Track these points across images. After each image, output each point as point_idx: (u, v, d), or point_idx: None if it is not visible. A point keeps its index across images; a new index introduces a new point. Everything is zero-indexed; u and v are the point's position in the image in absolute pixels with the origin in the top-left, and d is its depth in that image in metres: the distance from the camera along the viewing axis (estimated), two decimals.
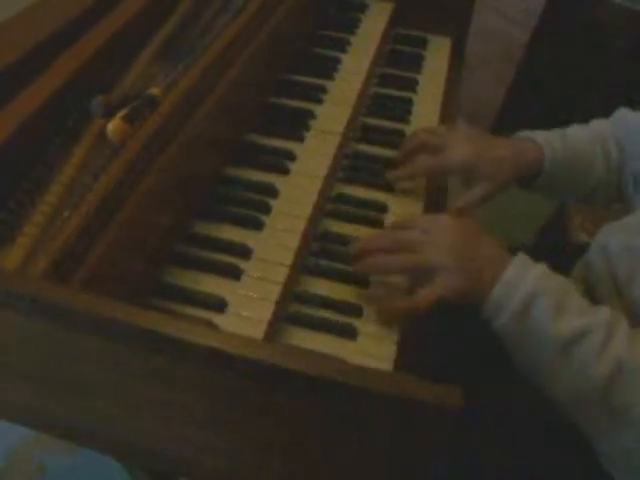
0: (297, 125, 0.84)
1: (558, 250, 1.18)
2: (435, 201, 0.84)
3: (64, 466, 1.31)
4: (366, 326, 0.66)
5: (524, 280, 0.60)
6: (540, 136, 0.81)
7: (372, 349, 0.64)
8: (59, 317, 0.45)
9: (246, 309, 0.62)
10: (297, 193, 0.74)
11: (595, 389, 0.57)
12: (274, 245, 0.68)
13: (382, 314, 0.66)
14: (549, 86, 1.99)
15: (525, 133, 0.83)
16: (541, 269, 0.62)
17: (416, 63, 1.07)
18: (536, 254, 1.05)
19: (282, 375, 0.43)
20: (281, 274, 0.65)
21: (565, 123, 0.86)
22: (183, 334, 0.44)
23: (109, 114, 0.59)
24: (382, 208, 0.79)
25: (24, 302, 0.45)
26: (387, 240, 0.68)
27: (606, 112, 0.86)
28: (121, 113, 0.59)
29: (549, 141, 0.80)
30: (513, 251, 0.94)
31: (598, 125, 0.85)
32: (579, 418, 0.61)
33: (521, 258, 0.63)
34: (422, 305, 0.63)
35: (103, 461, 1.27)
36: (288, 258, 0.67)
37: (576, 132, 0.83)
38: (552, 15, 1.89)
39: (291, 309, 0.67)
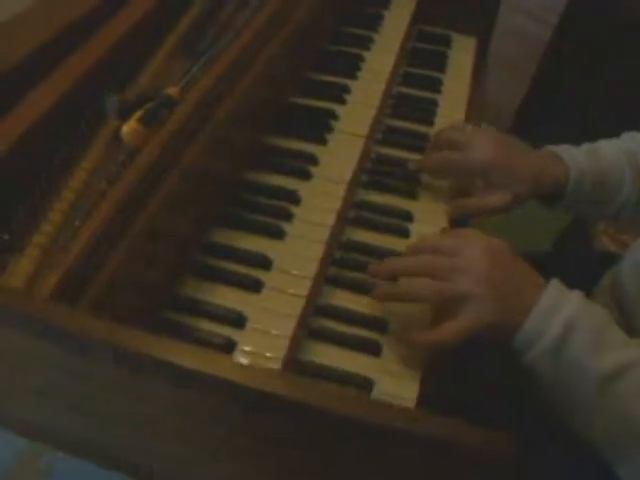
0: (319, 127, 0.80)
1: (579, 258, 1.13)
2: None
3: (72, 469, 1.28)
4: (391, 341, 0.62)
5: (560, 311, 0.56)
6: (567, 153, 0.76)
7: (397, 366, 0.60)
8: (64, 340, 0.42)
9: (267, 324, 0.59)
10: (320, 199, 0.71)
11: None
12: (296, 255, 0.65)
13: (403, 349, 0.61)
14: (570, 85, 1.95)
15: (551, 148, 0.79)
16: (578, 298, 0.58)
17: (440, 62, 1.03)
18: (556, 262, 1.02)
19: (310, 413, 0.40)
20: (304, 287, 0.61)
21: (585, 123, 0.82)
22: (194, 364, 0.41)
23: (124, 115, 0.56)
24: (407, 216, 0.75)
25: (30, 323, 0.41)
26: (411, 265, 0.62)
27: (628, 113, 0.82)
28: (137, 114, 0.55)
29: (576, 161, 0.75)
30: (531, 260, 0.89)
31: (627, 139, 0.80)
32: (620, 464, 0.56)
33: (555, 286, 0.59)
34: (449, 339, 0.57)
35: None
36: (311, 269, 0.63)
37: (605, 149, 0.78)
38: (574, 12, 1.85)
39: (313, 323, 0.63)
